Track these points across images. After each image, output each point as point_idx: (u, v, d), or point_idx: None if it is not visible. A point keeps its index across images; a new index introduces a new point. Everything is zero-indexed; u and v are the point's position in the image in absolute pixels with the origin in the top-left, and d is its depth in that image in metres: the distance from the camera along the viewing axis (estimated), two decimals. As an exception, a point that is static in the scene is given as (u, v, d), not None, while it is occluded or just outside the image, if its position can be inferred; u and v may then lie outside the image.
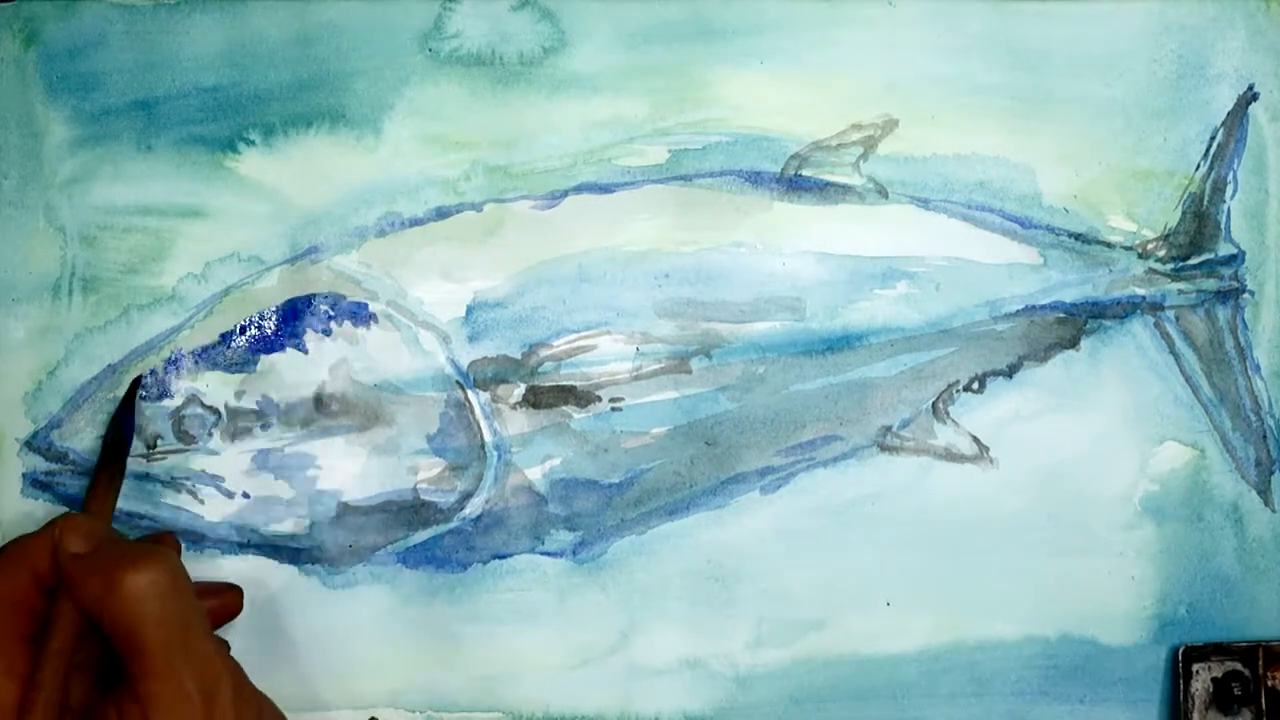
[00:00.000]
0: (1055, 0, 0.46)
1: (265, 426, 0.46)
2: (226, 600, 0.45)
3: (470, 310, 0.47)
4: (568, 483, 0.47)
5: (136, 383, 0.46)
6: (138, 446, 0.47)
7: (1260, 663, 0.44)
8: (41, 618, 0.39)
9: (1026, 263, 0.47)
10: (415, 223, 0.47)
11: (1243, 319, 0.47)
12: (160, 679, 0.36)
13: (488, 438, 0.47)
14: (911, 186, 0.47)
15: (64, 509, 0.47)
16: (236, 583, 0.46)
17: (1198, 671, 0.45)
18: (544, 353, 0.47)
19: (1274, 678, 0.44)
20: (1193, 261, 0.47)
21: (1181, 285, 0.47)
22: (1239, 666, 0.45)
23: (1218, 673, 0.45)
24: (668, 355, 0.47)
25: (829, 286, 0.47)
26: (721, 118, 0.47)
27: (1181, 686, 0.45)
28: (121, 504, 0.46)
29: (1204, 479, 0.46)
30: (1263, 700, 0.44)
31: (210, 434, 0.47)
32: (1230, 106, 0.47)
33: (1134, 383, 0.47)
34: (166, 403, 0.47)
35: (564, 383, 0.47)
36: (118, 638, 0.37)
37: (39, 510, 0.47)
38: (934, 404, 0.47)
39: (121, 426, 0.45)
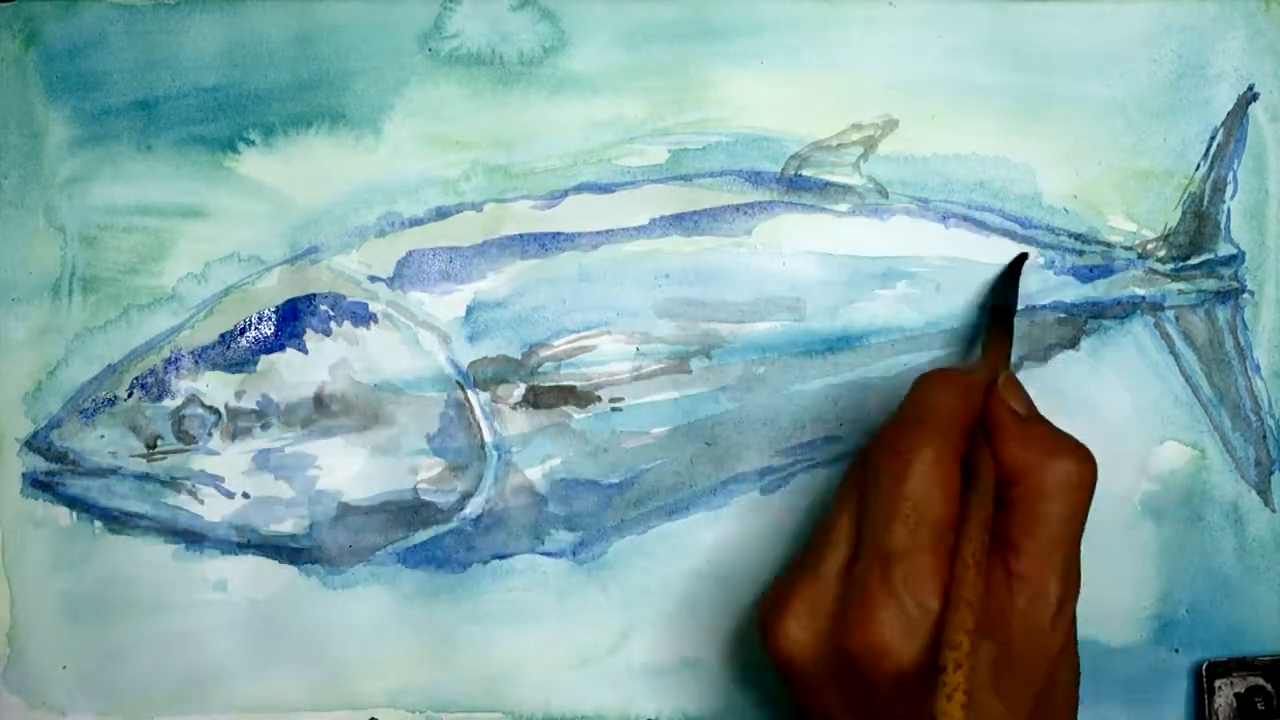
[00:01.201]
0: (1055, 0, 0.46)
1: (265, 426, 0.47)
2: None
3: (470, 310, 0.47)
4: (568, 483, 0.47)
5: (1022, 259, 0.46)
6: (137, 447, 0.47)
7: None
8: (968, 444, 0.38)
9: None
10: (415, 223, 0.47)
11: (1243, 319, 0.47)
12: (1040, 562, 0.37)
13: (488, 438, 0.47)
14: (911, 186, 0.47)
15: (64, 509, 0.47)
16: (238, 582, 0.46)
17: (1220, 687, 0.44)
18: (544, 353, 0.47)
19: None
20: (1193, 261, 0.47)
21: (1181, 285, 0.47)
22: (1262, 682, 0.44)
23: (1240, 688, 0.44)
24: (668, 355, 0.47)
25: (829, 286, 0.47)
26: (721, 118, 0.47)
27: (1205, 702, 0.45)
28: (121, 504, 0.47)
29: (1204, 479, 0.46)
30: None
31: (210, 434, 0.47)
32: (1230, 106, 0.47)
33: (1134, 383, 0.47)
34: (166, 403, 0.47)
35: (564, 383, 0.47)
36: (1023, 508, 0.37)
37: (39, 510, 0.47)
38: (934, 404, 0.47)
39: (1003, 294, 0.45)
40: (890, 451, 0.37)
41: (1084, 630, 0.46)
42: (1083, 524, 0.38)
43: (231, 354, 0.47)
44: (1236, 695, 0.44)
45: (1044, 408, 0.46)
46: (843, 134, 0.47)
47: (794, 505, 0.46)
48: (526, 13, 0.47)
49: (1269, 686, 0.44)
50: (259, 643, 0.47)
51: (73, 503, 0.47)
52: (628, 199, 0.47)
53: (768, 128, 0.47)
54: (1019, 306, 0.46)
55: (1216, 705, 0.44)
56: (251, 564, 0.47)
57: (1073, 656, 0.39)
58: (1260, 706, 0.44)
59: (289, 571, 0.47)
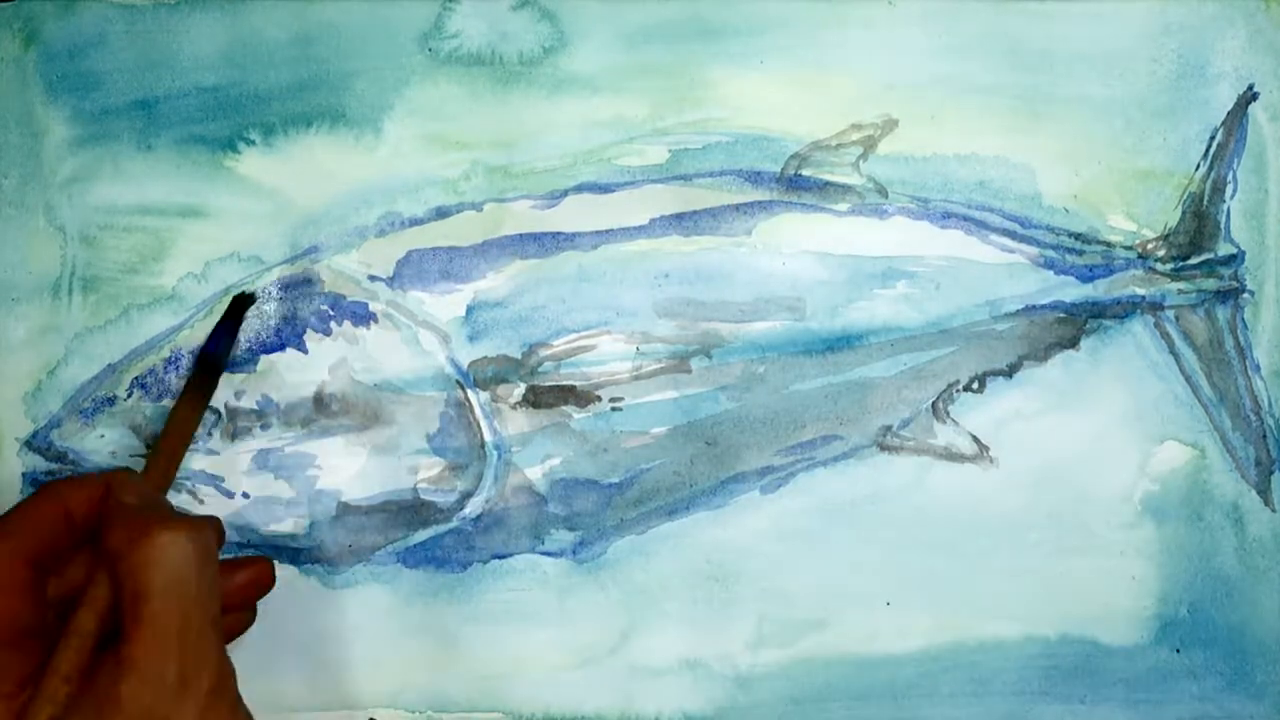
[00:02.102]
0: (1055, 0, 0.47)
1: (265, 426, 0.47)
2: (258, 572, 0.42)
3: (470, 310, 0.47)
4: (568, 483, 0.47)
5: (242, 301, 0.45)
6: (137, 447, 0.47)
7: None
8: (49, 574, 0.37)
9: (1026, 263, 0.47)
10: (415, 223, 0.47)
11: (1242, 319, 0.47)
12: (145, 647, 0.35)
13: (488, 437, 0.47)
14: (911, 186, 0.47)
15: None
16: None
17: None
18: (544, 352, 0.47)
19: None
20: (1193, 261, 0.47)
21: (1181, 285, 0.47)
22: None
23: None
24: (668, 355, 0.47)
25: (829, 286, 0.47)
26: (721, 118, 0.47)
27: None
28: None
29: (1204, 479, 0.46)
30: None
31: (210, 434, 0.47)
32: (1230, 106, 0.47)
33: (1134, 383, 0.47)
34: (166, 403, 0.47)
35: (564, 383, 0.47)
36: (125, 592, 0.35)
37: (39, 510, 0.47)
38: (934, 404, 0.47)
39: (215, 349, 0.44)
40: None
41: (1084, 630, 0.46)
42: (204, 597, 0.36)
43: (231, 354, 0.47)
44: None
45: (1044, 407, 0.46)
46: (843, 134, 0.47)
47: (794, 505, 0.46)
48: (526, 13, 0.47)
49: None
50: (259, 643, 0.47)
51: (73, 503, 0.47)
52: (628, 199, 0.47)
53: (768, 128, 0.47)
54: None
55: None
56: (251, 564, 0.47)
57: None
58: None
59: (289, 571, 0.47)
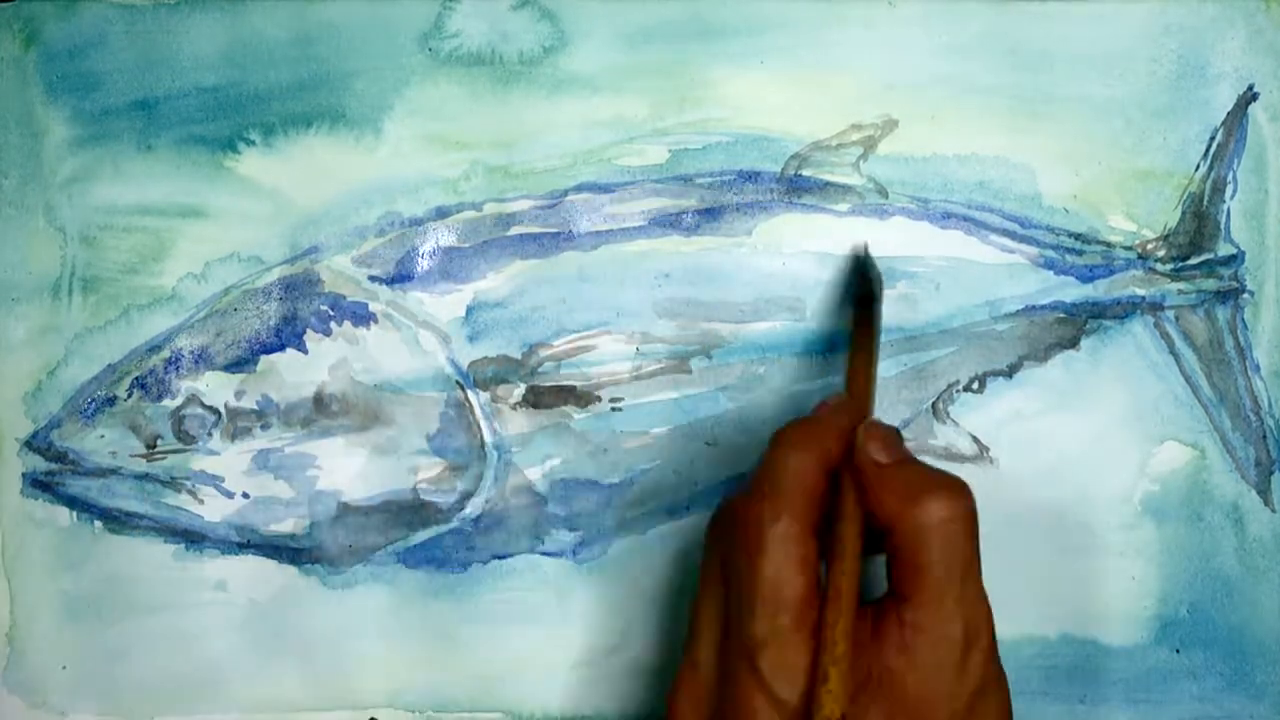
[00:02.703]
0: (1055, 0, 0.46)
1: (265, 426, 0.47)
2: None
3: (470, 310, 0.47)
4: (568, 483, 0.47)
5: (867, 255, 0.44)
6: (137, 447, 0.47)
7: None
8: (825, 508, 0.37)
9: (1026, 263, 0.47)
10: (415, 223, 0.47)
11: (1243, 319, 0.47)
12: (933, 609, 0.36)
13: (488, 438, 0.47)
14: (911, 186, 0.47)
15: (64, 509, 0.47)
16: (239, 582, 0.46)
17: None
18: (544, 353, 0.47)
19: None
20: (1193, 261, 0.47)
21: (1181, 285, 0.47)
22: None
23: None
24: (668, 355, 0.47)
25: (829, 286, 0.47)
26: (721, 118, 0.47)
27: None
28: (121, 504, 0.47)
29: (1204, 479, 0.46)
30: None
31: (210, 434, 0.47)
32: (1230, 106, 0.47)
33: (1134, 383, 0.47)
34: (166, 403, 0.47)
35: (564, 383, 0.47)
36: (902, 557, 0.36)
37: (39, 510, 0.47)
38: (934, 404, 0.47)
39: (868, 283, 0.43)
40: (744, 527, 0.36)
41: (1084, 630, 0.46)
42: (973, 556, 0.37)
43: (231, 354, 0.47)
44: None
45: (1044, 407, 0.46)
46: (843, 134, 0.47)
47: (794, 505, 0.46)
48: (526, 12, 0.47)
49: None
50: (259, 643, 0.47)
51: (73, 503, 0.47)
52: (628, 199, 0.47)
53: (768, 128, 0.47)
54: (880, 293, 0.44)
55: None
56: (251, 564, 0.47)
57: (997, 694, 0.37)
58: None
59: (289, 571, 0.47)
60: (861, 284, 0.45)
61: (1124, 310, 0.47)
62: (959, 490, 0.37)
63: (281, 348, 0.47)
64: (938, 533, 0.36)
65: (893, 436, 0.39)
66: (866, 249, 0.46)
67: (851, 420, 0.39)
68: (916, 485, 0.37)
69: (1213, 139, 0.47)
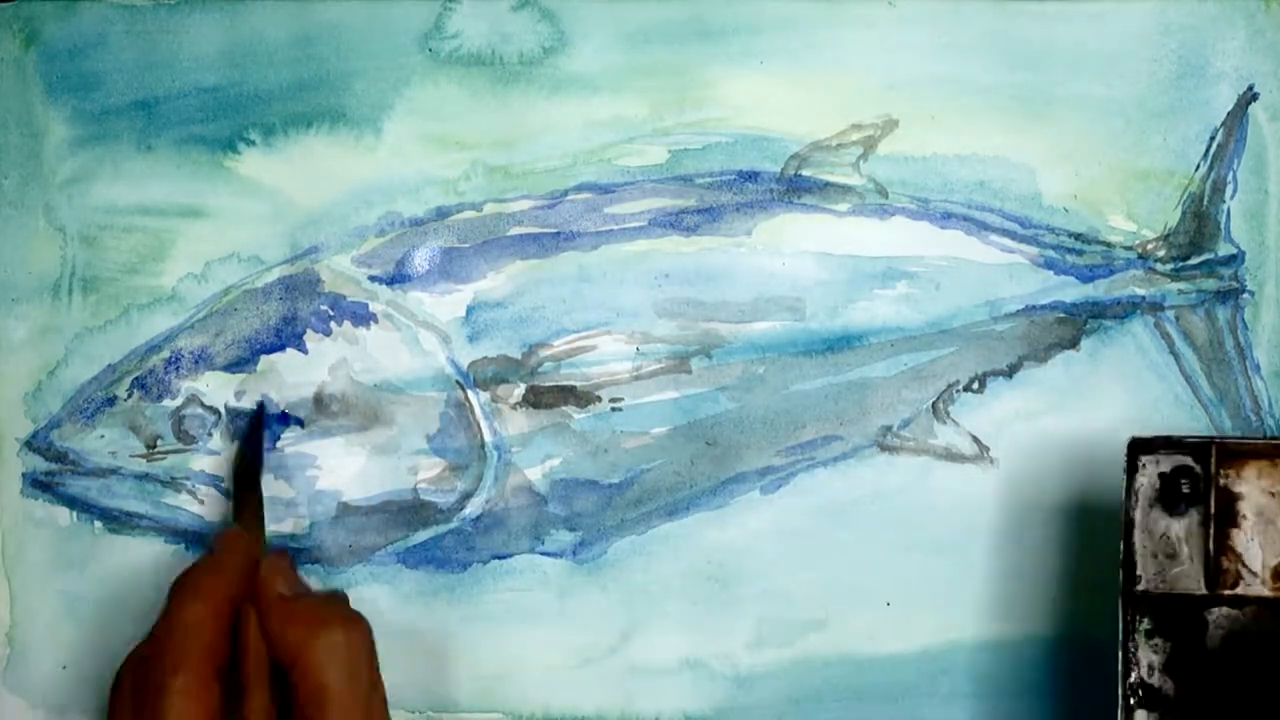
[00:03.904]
0: (1055, 0, 0.46)
1: (265, 426, 0.46)
2: None
3: (470, 310, 0.47)
4: (568, 483, 0.47)
5: (261, 409, 0.46)
6: (137, 447, 0.47)
7: (1213, 459, 0.39)
8: (229, 649, 0.39)
9: (1026, 263, 0.47)
10: (415, 223, 0.47)
11: (1242, 319, 0.47)
12: None
13: (488, 438, 0.47)
14: (911, 186, 0.47)
15: (64, 509, 0.47)
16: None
17: (1144, 465, 0.40)
18: (544, 353, 0.47)
19: (1227, 476, 0.39)
20: (1193, 261, 0.47)
21: (1181, 285, 0.47)
22: (1189, 462, 0.40)
23: (1166, 467, 0.40)
24: (668, 355, 0.47)
25: (829, 286, 0.47)
26: (721, 118, 0.47)
27: (1124, 481, 0.40)
28: (121, 504, 0.47)
29: (1204, 479, 0.46)
30: (1212, 500, 0.39)
31: (210, 434, 0.47)
32: (1230, 106, 0.47)
33: (1134, 383, 0.47)
34: (166, 403, 0.47)
35: (564, 383, 0.47)
36: (306, 687, 0.38)
37: (39, 510, 0.47)
38: (934, 404, 0.47)
39: (247, 454, 0.45)
40: (146, 683, 0.38)
41: (1085, 629, 0.46)
42: (376, 673, 0.40)
43: (231, 354, 0.47)
44: (1161, 475, 0.40)
45: (1044, 407, 0.46)
46: (843, 134, 0.47)
47: (794, 505, 0.46)
48: (526, 13, 0.47)
49: (1197, 467, 0.39)
50: (259, 643, 0.47)
51: (73, 503, 0.47)
52: (628, 199, 0.47)
53: (768, 128, 0.47)
54: None
55: (1137, 485, 0.40)
56: (251, 564, 0.47)
57: None
58: (1185, 489, 0.39)
59: (289, 571, 0.47)
60: (244, 457, 0.46)
61: (1124, 310, 0.47)
62: (354, 619, 0.40)
63: (281, 348, 0.47)
64: (342, 656, 0.39)
65: (291, 570, 0.42)
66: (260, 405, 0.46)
67: (249, 555, 0.42)
68: (319, 616, 0.40)
69: (1213, 139, 0.47)
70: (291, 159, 0.47)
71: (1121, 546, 0.39)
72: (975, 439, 0.47)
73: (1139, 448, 0.40)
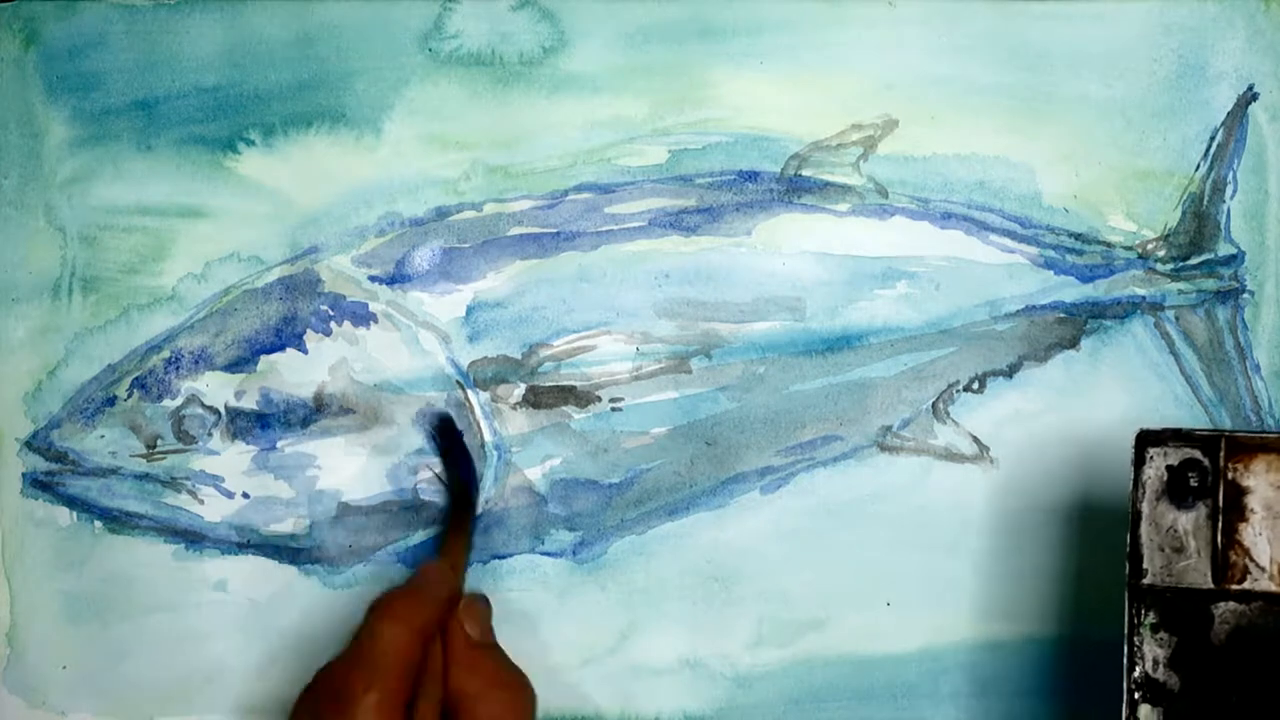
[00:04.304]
0: (1055, 0, 0.46)
1: (265, 426, 0.46)
2: None
3: (470, 310, 0.47)
4: (568, 483, 0.47)
5: (450, 423, 0.46)
6: (137, 447, 0.47)
7: (1222, 452, 0.39)
8: (414, 681, 0.40)
9: (1026, 263, 0.47)
10: (415, 223, 0.47)
11: (1242, 319, 0.47)
12: None
13: (488, 438, 0.47)
14: (911, 186, 0.47)
15: (64, 509, 0.47)
16: (238, 582, 0.46)
17: (1152, 457, 0.39)
18: (544, 353, 0.47)
19: (1235, 469, 0.39)
20: (1193, 261, 0.47)
21: (1181, 285, 0.47)
22: (1198, 455, 0.39)
23: (1174, 460, 0.39)
24: (668, 355, 0.47)
25: (829, 286, 0.47)
26: (721, 118, 0.47)
27: (1132, 474, 0.40)
28: (121, 504, 0.47)
29: (1204, 479, 0.46)
30: (1220, 494, 0.39)
31: (210, 434, 0.47)
32: (1230, 106, 0.47)
33: (1134, 382, 0.47)
34: (166, 403, 0.47)
35: (564, 383, 0.47)
36: None
37: (39, 510, 0.47)
38: (934, 404, 0.47)
39: (461, 472, 0.45)
40: (335, 695, 0.38)
41: (1085, 629, 0.46)
42: None
43: (231, 354, 0.47)
44: (1169, 468, 0.39)
45: (1044, 407, 0.46)
46: (843, 134, 0.47)
47: (794, 505, 0.46)
48: (526, 13, 0.47)
49: (1205, 460, 0.39)
50: (259, 643, 0.47)
51: (73, 503, 0.47)
52: (628, 199, 0.47)
53: (768, 128, 0.47)
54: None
55: (1145, 477, 0.39)
56: (251, 564, 0.47)
57: None
58: (1193, 482, 0.39)
59: (289, 571, 0.47)
60: (458, 460, 0.46)
61: (1124, 310, 0.47)
62: (524, 689, 0.42)
63: (281, 348, 0.47)
64: (508, 718, 0.41)
65: (486, 617, 0.43)
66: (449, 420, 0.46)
67: (451, 590, 0.42)
68: (494, 673, 0.41)
69: (1213, 139, 0.47)
70: (291, 159, 0.47)
71: (1128, 540, 0.39)
72: (975, 439, 0.47)
73: (1147, 440, 0.40)
